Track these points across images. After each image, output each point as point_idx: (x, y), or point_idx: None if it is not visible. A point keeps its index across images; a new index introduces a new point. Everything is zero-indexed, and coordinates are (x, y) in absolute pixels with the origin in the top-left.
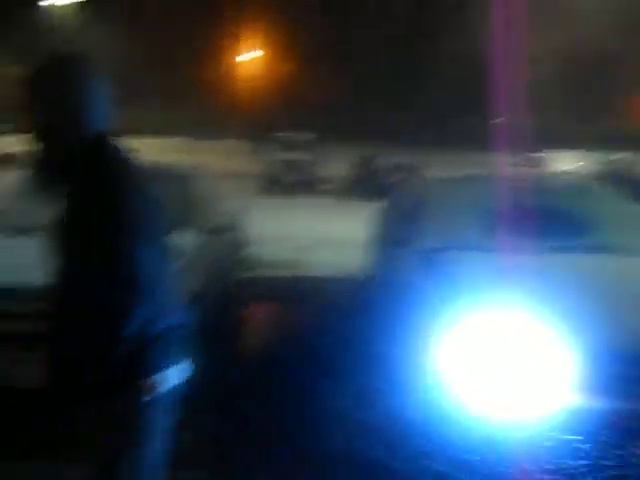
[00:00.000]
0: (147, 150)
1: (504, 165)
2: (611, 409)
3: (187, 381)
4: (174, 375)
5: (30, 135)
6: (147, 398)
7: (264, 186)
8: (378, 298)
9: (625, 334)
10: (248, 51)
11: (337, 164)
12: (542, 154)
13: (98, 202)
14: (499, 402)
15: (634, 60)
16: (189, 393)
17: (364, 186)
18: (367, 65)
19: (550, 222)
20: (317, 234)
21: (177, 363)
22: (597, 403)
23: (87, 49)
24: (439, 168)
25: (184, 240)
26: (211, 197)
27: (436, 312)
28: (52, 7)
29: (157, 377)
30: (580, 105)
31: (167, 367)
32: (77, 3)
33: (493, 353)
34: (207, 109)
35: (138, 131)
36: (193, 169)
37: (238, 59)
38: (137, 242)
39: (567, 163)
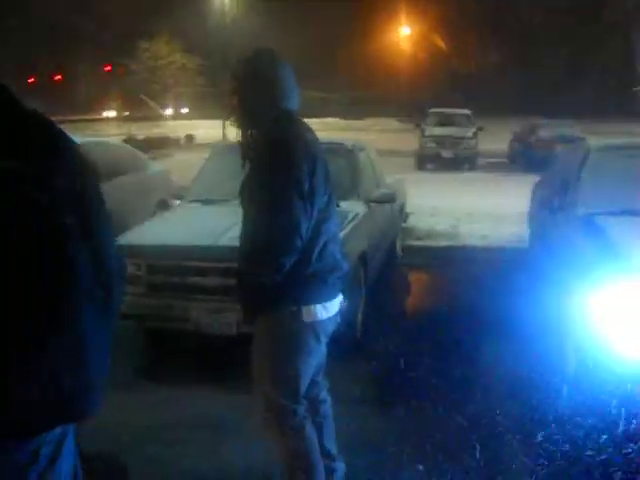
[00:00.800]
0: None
1: None
2: None
3: (341, 315)
4: (329, 308)
5: (230, 118)
6: (305, 321)
7: (422, 161)
8: (537, 262)
9: None
10: (400, 29)
11: (496, 139)
12: None
13: (268, 162)
14: None
15: None
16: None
17: (524, 159)
18: (525, 39)
19: None
20: (475, 206)
21: (332, 299)
22: None
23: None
24: (599, 138)
25: (352, 208)
26: (375, 171)
27: (594, 274)
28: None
29: (313, 307)
30: None
31: (324, 301)
32: None
33: None
34: (362, 88)
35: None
36: (359, 145)
37: (391, 37)
38: (296, 198)
39: None
